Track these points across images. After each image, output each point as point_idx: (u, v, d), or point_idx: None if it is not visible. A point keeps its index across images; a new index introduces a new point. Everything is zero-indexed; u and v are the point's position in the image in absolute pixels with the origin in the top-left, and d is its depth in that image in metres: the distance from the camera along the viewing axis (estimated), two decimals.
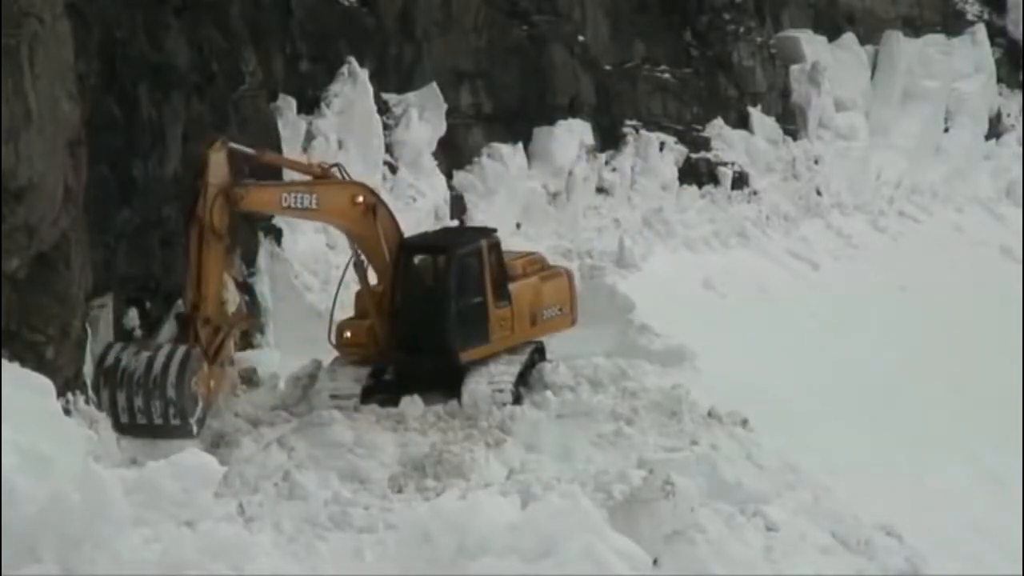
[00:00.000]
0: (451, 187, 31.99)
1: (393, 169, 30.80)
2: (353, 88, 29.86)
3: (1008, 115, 47.62)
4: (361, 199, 22.41)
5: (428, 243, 23.87)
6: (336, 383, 22.47)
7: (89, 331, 20.91)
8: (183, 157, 24.05)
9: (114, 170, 22.49)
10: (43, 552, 14.50)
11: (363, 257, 22.89)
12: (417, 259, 23.17)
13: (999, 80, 47.53)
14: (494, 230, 24.43)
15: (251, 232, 26.35)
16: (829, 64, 42.08)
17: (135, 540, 14.66)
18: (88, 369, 20.72)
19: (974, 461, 26.53)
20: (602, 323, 26.97)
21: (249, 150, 22.16)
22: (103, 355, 20.70)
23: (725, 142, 39.23)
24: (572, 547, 14.89)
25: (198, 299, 20.94)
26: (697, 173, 38.34)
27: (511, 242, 27.90)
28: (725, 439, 21.42)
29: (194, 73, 24.75)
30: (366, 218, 22.42)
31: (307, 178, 22.56)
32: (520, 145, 33.98)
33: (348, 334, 23.00)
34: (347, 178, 22.84)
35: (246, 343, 25.46)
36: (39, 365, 18.46)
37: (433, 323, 22.60)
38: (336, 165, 22.98)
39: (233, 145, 21.48)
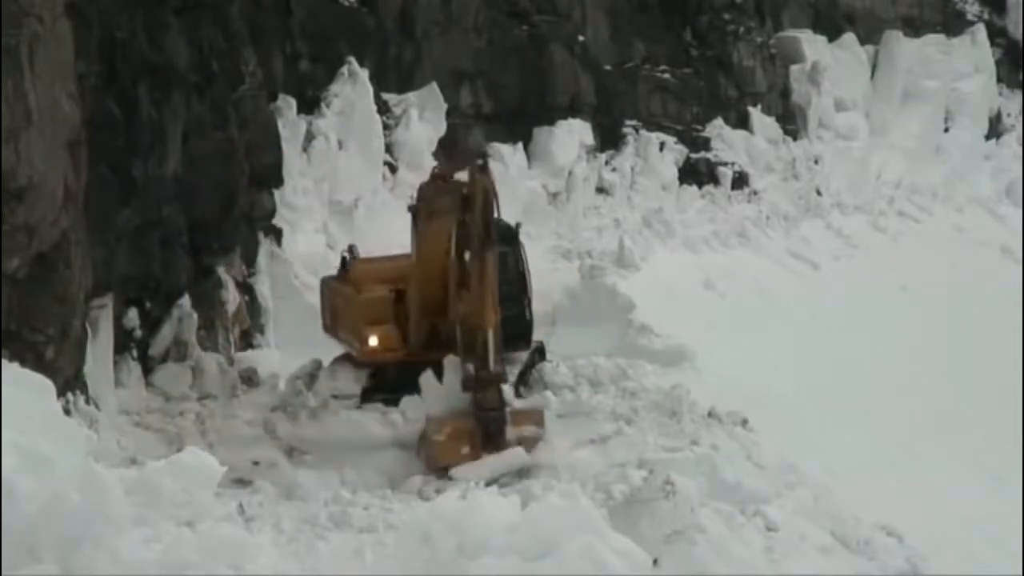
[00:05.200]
0: None
1: (393, 169, 30.82)
2: (353, 88, 29.88)
3: (1008, 115, 47.70)
4: None
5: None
6: (336, 383, 22.44)
7: (89, 331, 20.91)
8: (183, 157, 24.07)
9: (114, 170, 22.49)
10: (43, 552, 14.50)
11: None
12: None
13: (999, 80, 47.62)
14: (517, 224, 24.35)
15: (251, 232, 26.36)
16: (829, 64, 42.14)
17: (135, 540, 14.65)
18: (88, 369, 20.75)
19: (974, 461, 26.52)
20: (602, 323, 26.99)
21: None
22: None
23: (725, 142, 39.27)
24: (572, 547, 14.88)
25: (495, 314, 20.59)
26: (697, 173, 38.39)
27: None
28: (725, 439, 21.40)
29: (194, 73, 24.76)
30: None
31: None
32: (520, 145, 34.02)
33: (376, 341, 22.46)
34: None
35: (246, 343, 25.48)
36: (39, 365, 18.44)
37: (517, 315, 22.67)
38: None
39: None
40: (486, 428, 20.33)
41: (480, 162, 21.18)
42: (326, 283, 23.66)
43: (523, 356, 23.29)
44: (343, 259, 23.46)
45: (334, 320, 23.04)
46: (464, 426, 20.32)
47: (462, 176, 21.43)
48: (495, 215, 20.76)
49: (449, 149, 32.32)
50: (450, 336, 21.81)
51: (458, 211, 20.96)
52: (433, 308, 21.99)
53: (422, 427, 20.68)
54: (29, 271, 18.84)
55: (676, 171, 37.77)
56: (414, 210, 22.18)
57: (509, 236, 23.20)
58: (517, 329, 22.82)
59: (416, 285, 22.07)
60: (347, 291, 22.58)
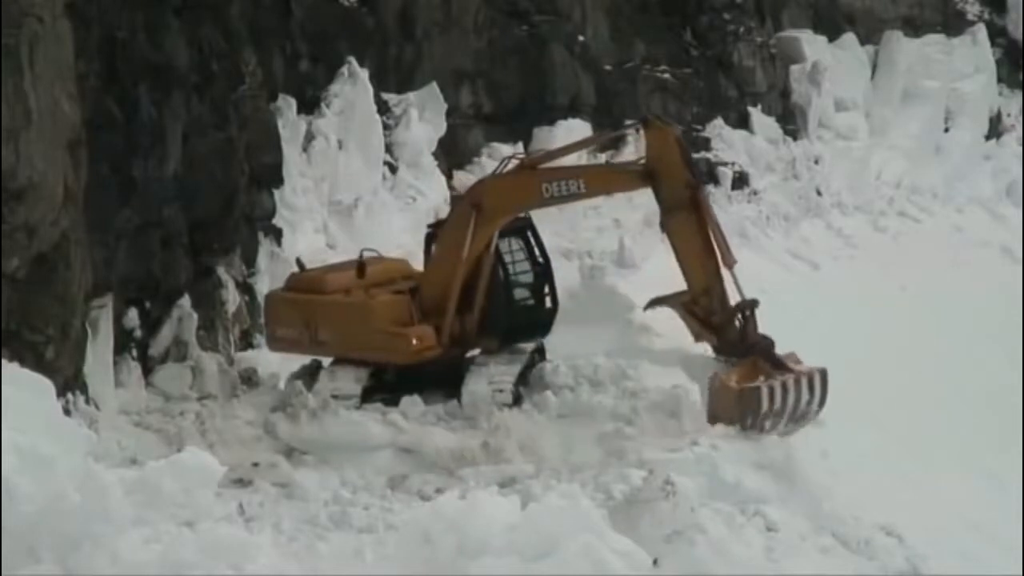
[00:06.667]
0: (451, 187, 31.97)
1: (393, 169, 30.80)
2: (353, 88, 29.86)
3: (1008, 115, 47.55)
4: None
5: (510, 225, 23.43)
6: (336, 383, 22.45)
7: (89, 331, 20.91)
8: (183, 157, 24.08)
9: (114, 170, 22.51)
10: (43, 552, 14.52)
11: None
12: (505, 241, 23.07)
13: (999, 80, 47.49)
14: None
15: (251, 232, 26.37)
16: (829, 64, 42.07)
17: (135, 540, 14.67)
18: (88, 369, 20.74)
19: (974, 461, 26.53)
20: (602, 323, 26.95)
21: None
22: None
23: (725, 142, 39.20)
24: (572, 547, 14.90)
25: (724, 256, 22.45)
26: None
27: None
28: (725, 439, 21.40)
29: (194, 73, 24.77)
30: None
31: None
32: (520, 145, 33.97)
33: (416, 341, 22.43)
34: None
35: (246, 343, 25.48)
36: (39, 365, 18.47)
37: (539, 302, 23.11)
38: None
39: None
40: (765, 354, 22.25)
41: (652, 116, 22.24)
42: (277, 296, 23.51)
43: (523, 356, 23.32)
44: (294, 272, 23.54)
45: (311, 330, 22.78)
46: (748, 365, 22.19)
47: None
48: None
49: (449, 149, 32.33)
50: (471, 330, 22.50)
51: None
52: (463, 305, 22.52)
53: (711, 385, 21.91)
54: (29, 271, 18.87)
55: None
56: (477, 204, 22.39)
57: (524, 225, 23.33)
58: (540, 317, 23.12)
59: (458, 283, 22.39)
60: (348, 298, 22.61)
